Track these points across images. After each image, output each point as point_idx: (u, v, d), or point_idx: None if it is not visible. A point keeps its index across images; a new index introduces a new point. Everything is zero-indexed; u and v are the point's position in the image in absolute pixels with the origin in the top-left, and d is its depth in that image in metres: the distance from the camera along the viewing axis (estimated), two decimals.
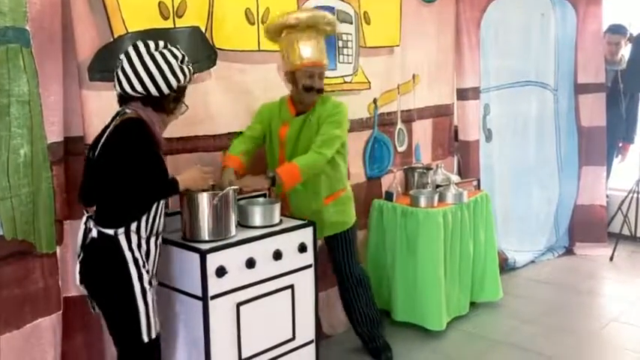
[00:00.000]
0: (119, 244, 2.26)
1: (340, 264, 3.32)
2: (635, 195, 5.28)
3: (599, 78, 5.27)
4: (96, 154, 2.28)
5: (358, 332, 3.47)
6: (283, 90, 3.41)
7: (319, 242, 3.19)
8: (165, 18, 2.87)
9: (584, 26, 5.22)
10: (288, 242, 2.88)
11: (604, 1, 5.21)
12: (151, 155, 2.28)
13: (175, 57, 2.34)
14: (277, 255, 2.83)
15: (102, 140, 2.28)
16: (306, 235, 2.97)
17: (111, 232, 2.26)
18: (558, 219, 5.39)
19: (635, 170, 5.27)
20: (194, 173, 2.48)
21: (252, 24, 3.26)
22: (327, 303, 3.70)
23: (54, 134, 2.51)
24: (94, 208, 2.35)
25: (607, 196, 5.49)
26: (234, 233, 2.75)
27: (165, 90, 2.32)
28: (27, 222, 2.46)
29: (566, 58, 5.25)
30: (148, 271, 2.33)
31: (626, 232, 5.39)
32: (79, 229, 2.37)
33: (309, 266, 3.00)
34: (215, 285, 2.59)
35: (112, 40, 2.69)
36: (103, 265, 2.29)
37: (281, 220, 2.98)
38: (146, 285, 2.30)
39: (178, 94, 2.40)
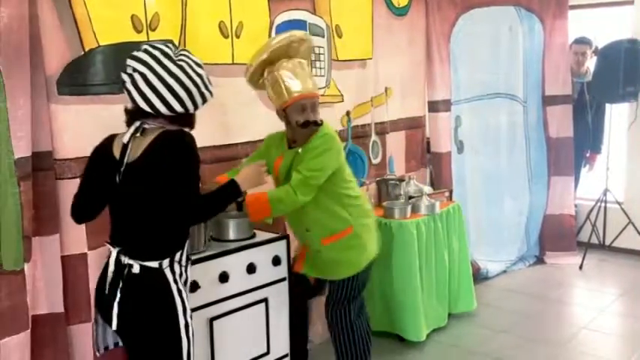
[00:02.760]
0: (166, 277, 2.07)
1: (333, 309, 3.02)
2: (603, 204, 5.38)
3: (566, 90, 5.38)
4: (125, 176, 2.08)
5: None
6: (258, 103, 3.41)
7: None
8: (139, 31, 2.85)
9: (551, 39, 5.33)
10: (262, 255, 2.88)
11: (570, 15, 5.33)
12: (197, 173, 2.08)
13: (200, 65, 2.16)
14: (251, 268, 2.81)
15: (136, 159, 2.06)
16: (280, 248, 2.96)
17: (155, 264, 2.06)
18: (529, 229, 5.46)
19: (602, 180, 5.38)
20: (250, 171, 2.48)
21: (226, 37, 3.25)
22: None
23: (21, 149, 2.46)
24: (126, 241, 2.11)
25: (575, 206, 5.58)
26: (207, 247, 2.73)
27: (201, 105, 2.17)
28: None
29: (534, 71, 5.35)
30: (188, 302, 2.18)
31: (594, 240, 5.49)
32: (108, 265, 2.11)
33: (284, 279, 2.99)
34: None
35: (82, 53, 2.65)
36: (150, 301, 2.07)
37: (254, 234, 2.97)
38: (189, 319, 2.13)
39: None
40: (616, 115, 5.41)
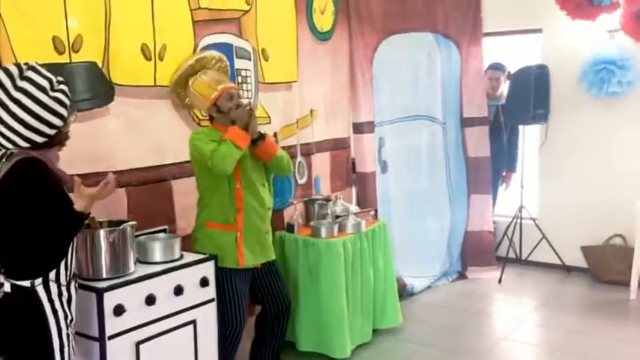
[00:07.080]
0: (37, 297, 2.06)
1: (280, 289, 3.45)
2: (519, 220, 5.66)
3: (483, 112, 5.66)
4: None
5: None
6: (180, 124, 3.42)
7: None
8: (61, 53, 2.81)
9: (467, 65, 5.61)
10: (189, 277, 2.86)
11: (484, 42, 5.65)
12: (56, 193, 2.10)
13: (42, 89, 2.04)
14: (178, 290, 2.79)
15: None
16: (207, 269, 2.96)
17: (27, 283, 2.06)
18: (451, 245, 5.65)
19: (517, 197, 5.66)
20: (83, 196, 2.15)
21: (149, 59, 3.25)
22: None
23: None
24: (2, 261, 2.11)
25: (494, 222, 5.83)
26: (133, 270, 2.69)
27: (51, 132, 2.07)
28: None
29: (452, 94, 5.60)
30: (71, 321, 2.17)
31: (512, 255, 5.76)
32: None
33: (212, 300, 2.98)
34: (113, 324, 2.52)
35: None
36: (19, 322, 2.07)
37: (182, 255, 2.95)
38: (65, 340, 2.13)
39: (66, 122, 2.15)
40: (528, 136, 5.74)
